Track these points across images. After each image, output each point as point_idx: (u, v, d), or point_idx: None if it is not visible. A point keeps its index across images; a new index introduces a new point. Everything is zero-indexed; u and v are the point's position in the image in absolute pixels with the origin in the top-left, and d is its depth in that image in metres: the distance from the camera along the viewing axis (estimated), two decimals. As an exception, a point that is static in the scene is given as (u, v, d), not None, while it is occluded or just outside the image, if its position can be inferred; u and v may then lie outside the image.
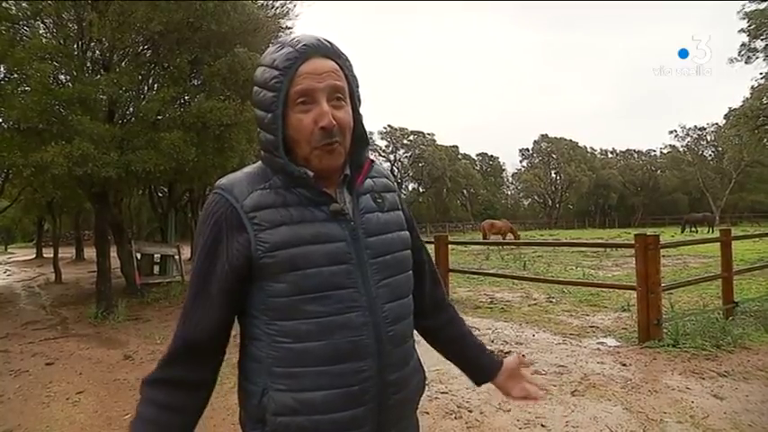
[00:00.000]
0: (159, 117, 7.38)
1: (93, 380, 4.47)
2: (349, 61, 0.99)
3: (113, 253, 9.21)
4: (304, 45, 0.92)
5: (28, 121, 6.33)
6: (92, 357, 5.26)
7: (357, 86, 1.01)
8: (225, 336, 1.00)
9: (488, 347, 1.24)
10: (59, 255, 14.39)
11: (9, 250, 31.96)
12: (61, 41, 7.07)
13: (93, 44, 7.41)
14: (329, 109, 0.92)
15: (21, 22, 6.97)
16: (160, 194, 14.69)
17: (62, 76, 7.24)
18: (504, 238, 19.83)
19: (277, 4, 9.74)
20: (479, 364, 1.20)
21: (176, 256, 11.68)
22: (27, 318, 7.86)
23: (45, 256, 21.28)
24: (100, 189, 7.84)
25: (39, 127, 6.46)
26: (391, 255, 1.02)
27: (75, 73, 6.98)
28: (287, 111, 0.93)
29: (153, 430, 0.97)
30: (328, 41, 0.96)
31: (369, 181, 1.05)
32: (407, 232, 1.09)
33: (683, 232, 26.91)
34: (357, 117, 1.00)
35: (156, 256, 11.95)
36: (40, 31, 7.27)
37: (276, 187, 0.96)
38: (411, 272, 1.09)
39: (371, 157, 1.07)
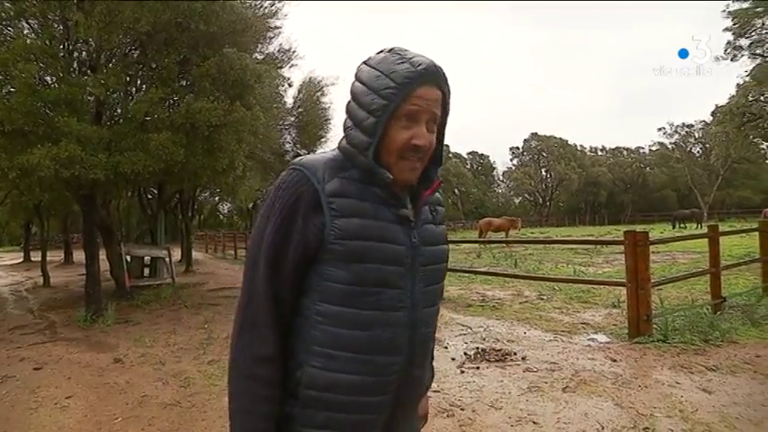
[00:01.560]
0: (147, 118, 7.29)
1: (83, 384, 4.42)
2: (450, 91, 1.06)
3: (103, 255, 9.11)
4: (425, 69, 0.99)
5: (13, 123, 6.22)
6: (81, 361, 5.19)
7: (448, 115, 1.08)
8: (291, 312, 1.03)
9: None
10: (48, 258, 14.22)
11: (-4, 254, 31.46)
12: (47, 42, 6.96)
13: (79, 45, 7.32)
14: (426, 132, 1.01)
15: (4, 23, 6.86)
16: (150, 196, 14.56)
17: (48, 77, 7.12)
18: (507, 235, 19.87)
19: (266, 3, 9.69)
20: None
21: (166, 259, 11.58)
22: (14, 322, 7.75)
23: (33, 259, 21.00)
24: (88, 191, 7.74)
25: (24, 129, 6.35)
26: (436, 265, 1.10)
27: (61, 74, 6.88)
28: (389, 120, 0.99)
29: (268, 410, 1.00)
30: (441, 69, 1.03)
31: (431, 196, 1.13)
32: (447, 246, 1.18)
33: (674, 228, 27.17)
34: (440, 140, 1.10)
35: (145, 258, 11.83)
36: (25, 32, 7.17)
37: (354, 179, 1.01)
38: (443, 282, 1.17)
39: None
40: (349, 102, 1.05)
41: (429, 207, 1.12)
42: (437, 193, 1.17)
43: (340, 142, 1.07)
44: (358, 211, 0.99)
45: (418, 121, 1.00)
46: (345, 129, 1.05)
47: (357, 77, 1.04)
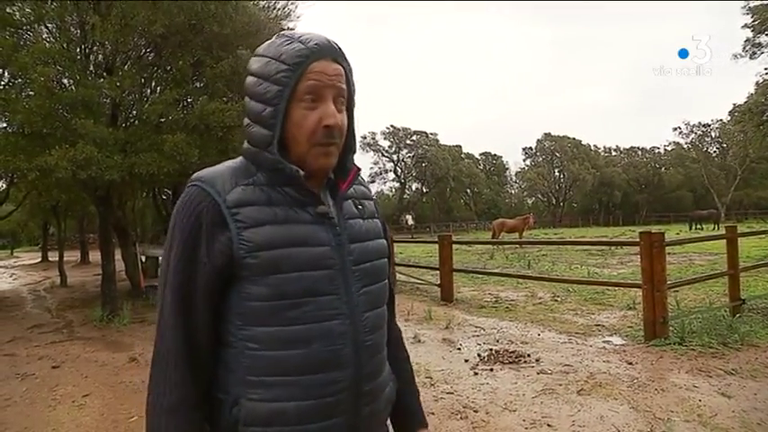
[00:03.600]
0: (162, 119, 7.38)
1: (99, 383, 4.49)
2: (351, 67, 0.97)
3: (118, 256, 9.24)
4: (316, 44, 0.91)
5: (32, 126, 6.34)
6: (97, 360, 5.27)
7: (354, 93, 0.99)
8: (213, 343, 0.93)
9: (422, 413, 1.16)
10: (64, 258, 14.44)
11: (15, 254, 32.06)
12: (64, 45, 7.08)
13: (95, 48, 7.43)
14: (335, 110, 0.91)
15: (24, 27, 6.99)
16: (164, 197, 14.71)
17: (65, 80, 7.24)
18: (520, 236, 19.82)
19: (279, 5, 9.73)
20: (411, 411, 1.13)
21: (181, 259, 11.69)
22: (33, 321, 7.89)
23: (50, 259, 21.35)
24: (104, 192, 7.86)
25: (43, 131, 6.47)
26: (371, 263, 0.99)
27: (78, 77, 6.98)
28: (290, 106, 0.90)
29: None
30: (337, 44, 0.94)
31: (350, 188, 1.02)
32: (385, 241, 1.07)
33: (691, 229, 26.74)
34: (350, 124, 0.98)
35: (160, 258, 11.96)
36: (44, 36, 7.29)
37: (260, 184, 0.91)
38: (387, 281, 1.06)
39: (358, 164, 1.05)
40: (245, 99, 0.96)
41: (353, 201, 1.01)
42: (363, 187, 1.07)
43: (243, 147, 0.97)
44: (268, 217, 0.89)
45: (324, 98, 0.90)
46: (245, 128, 0.95)
47: (248, 71, 0.95)
